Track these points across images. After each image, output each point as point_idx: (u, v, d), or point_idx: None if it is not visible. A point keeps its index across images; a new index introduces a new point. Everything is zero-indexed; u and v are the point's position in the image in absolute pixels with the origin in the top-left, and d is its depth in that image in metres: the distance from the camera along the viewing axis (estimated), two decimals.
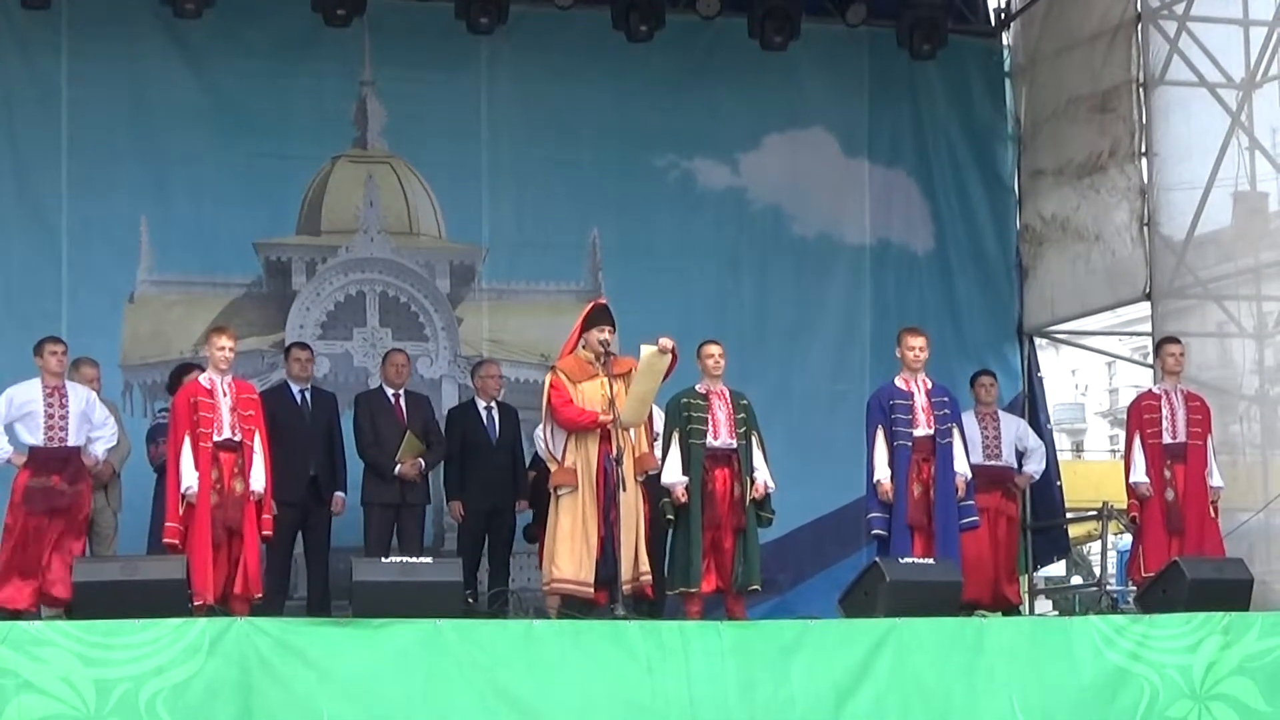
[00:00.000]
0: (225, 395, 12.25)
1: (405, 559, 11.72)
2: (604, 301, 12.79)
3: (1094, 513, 17.26)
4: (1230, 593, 12.17)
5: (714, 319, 15.54)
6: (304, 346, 14.34)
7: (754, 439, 12.85)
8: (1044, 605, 19.80)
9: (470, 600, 12.68)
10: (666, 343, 12.10)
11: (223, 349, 12.32)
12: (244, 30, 15.58)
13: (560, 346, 12.99)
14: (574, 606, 12.06)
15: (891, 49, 16.79)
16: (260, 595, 12.18)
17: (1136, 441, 13.70)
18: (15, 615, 11.87)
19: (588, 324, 12.48)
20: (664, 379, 12.32)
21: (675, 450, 12.66)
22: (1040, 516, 16.79)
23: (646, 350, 12.06)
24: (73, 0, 15.08)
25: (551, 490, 12.41)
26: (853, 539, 15.26)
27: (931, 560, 12.38)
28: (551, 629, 11.00)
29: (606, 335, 12.39)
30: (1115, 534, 18.33)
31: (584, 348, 12.47)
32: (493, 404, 14.44)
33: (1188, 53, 15.47)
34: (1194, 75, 15.46)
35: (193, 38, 15.41)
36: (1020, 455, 15.04)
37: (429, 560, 11.71)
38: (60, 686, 10.04)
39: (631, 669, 10.83)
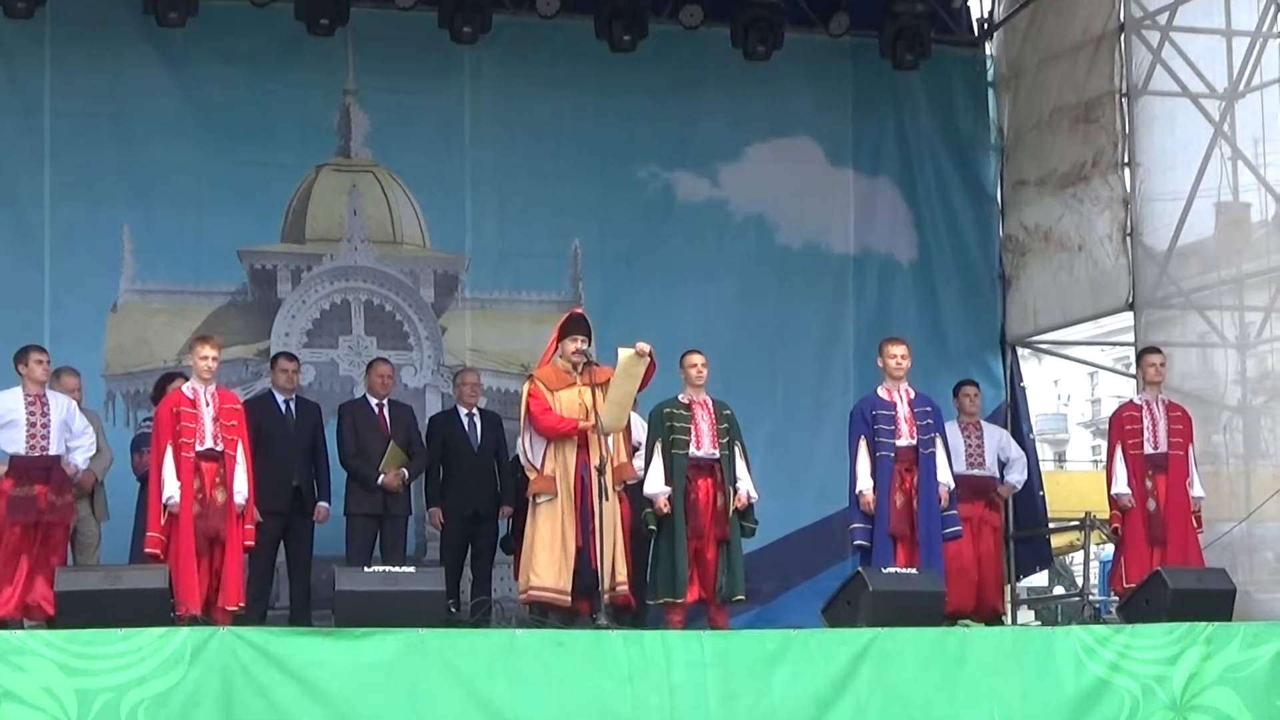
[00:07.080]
0: (208, 405, 12.21)
1: (388, 568, 11.67)
2: (580, 311, 12.73)
3: (1076, 523, 17.26)
4: (1213, 603, 12.16)
5: (696, 329, 15.48)
6: (290, 357, 14.28)
7: (737, 449, 12.86)
8: (1027, 615, 19.82)
9: (453, 610, 12.67)
10: (644, 346, 12.07)
11: (206, 358, 12.27)
12: (227, 39, 15.56)
13: (541, 357, 12.98)
14: (551, 614, 12.03)
15: (875, 59, 16.82)
16: (242, 605, 12.17)
17: (1118, 452, 13.73)
18: None
19: (564, 333, 12.45)
20: (642, 386, 12.32)
21: (658, 460, 12.66)
22: (1023, 526, 16.79)
23: (624, 353, 12.04)
24: (56, 10, 15.03)
25: (530, 498, 12.38)
26: (836, 549, 15.23)
27: (915, 570, 12.39)
28: (534, 639, 10.96)
29: (580, 345, 12.34)
30: (1098, 544, 18.34)
31: (560, 357, 12.44)
32: (475, 411, 14.43)
33: (1171, 63, 15.49)
34: (1177, 85, 15.48)
35: (176, 47, 15.40)
36: (1002, 465, 15.06)
37: (411, 570, 11.65)
38: (42, 696, 9.98)
39: (613, 679, 10.79)
